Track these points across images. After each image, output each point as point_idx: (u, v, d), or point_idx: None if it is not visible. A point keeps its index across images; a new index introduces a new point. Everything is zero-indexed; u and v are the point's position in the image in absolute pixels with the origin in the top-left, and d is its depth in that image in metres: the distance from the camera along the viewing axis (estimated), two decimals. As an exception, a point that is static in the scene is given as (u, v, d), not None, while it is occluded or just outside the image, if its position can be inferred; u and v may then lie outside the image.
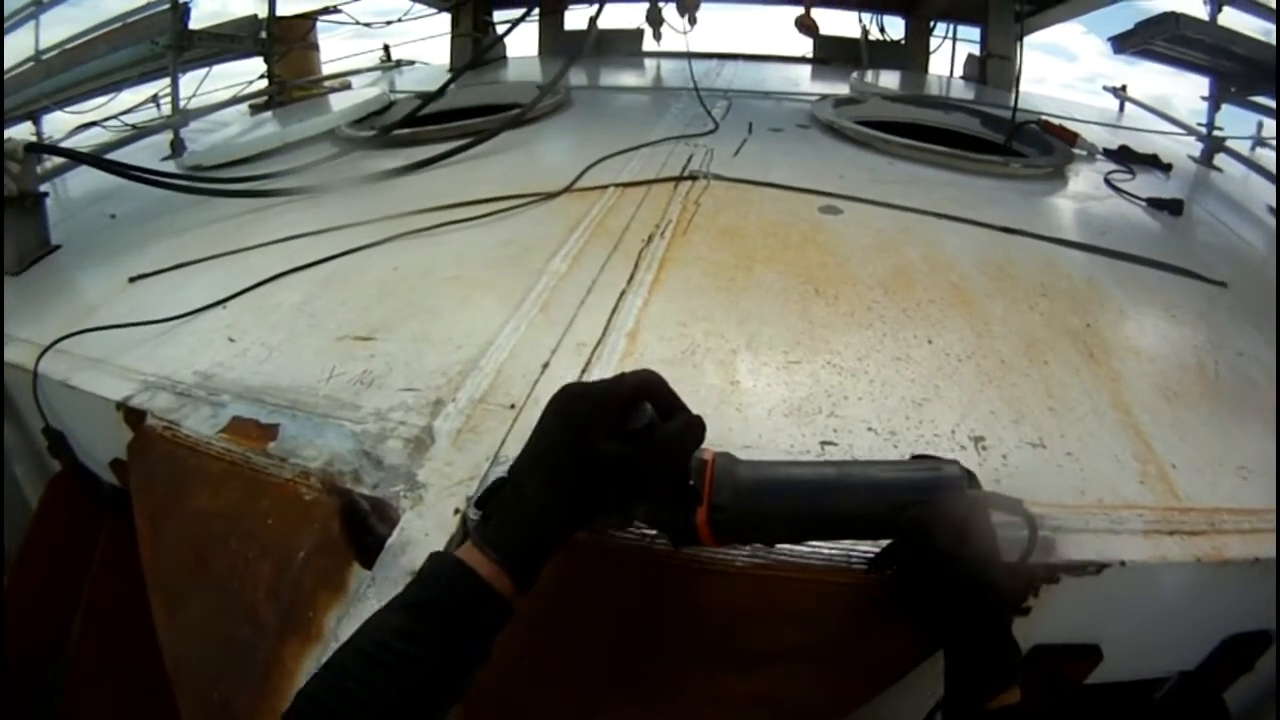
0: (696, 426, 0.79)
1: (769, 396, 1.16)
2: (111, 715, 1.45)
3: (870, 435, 1.09)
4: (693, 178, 1.98)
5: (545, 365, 1.19)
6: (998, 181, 2.31)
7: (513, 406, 1.10)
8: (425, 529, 0.92)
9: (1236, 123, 3.43)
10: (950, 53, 4.61)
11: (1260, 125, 3.74)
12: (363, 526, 0.97)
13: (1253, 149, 3.63)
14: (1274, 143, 3.50)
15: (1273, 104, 3.12)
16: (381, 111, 2.77)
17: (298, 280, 1.52)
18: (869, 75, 3.81)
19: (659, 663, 0.91)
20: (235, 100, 3.25)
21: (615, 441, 0.74)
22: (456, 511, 0.93)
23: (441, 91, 2.55)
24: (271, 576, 0.98)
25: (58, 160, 2.20)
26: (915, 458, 0.92)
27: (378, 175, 2.05)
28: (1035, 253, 1.76)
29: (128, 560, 1.18)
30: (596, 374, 1.18)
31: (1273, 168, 2.75)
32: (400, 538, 0.92)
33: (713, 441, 1.00)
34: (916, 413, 1.15)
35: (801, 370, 1.22)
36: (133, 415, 1.22)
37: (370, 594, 0.87)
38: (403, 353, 1.25)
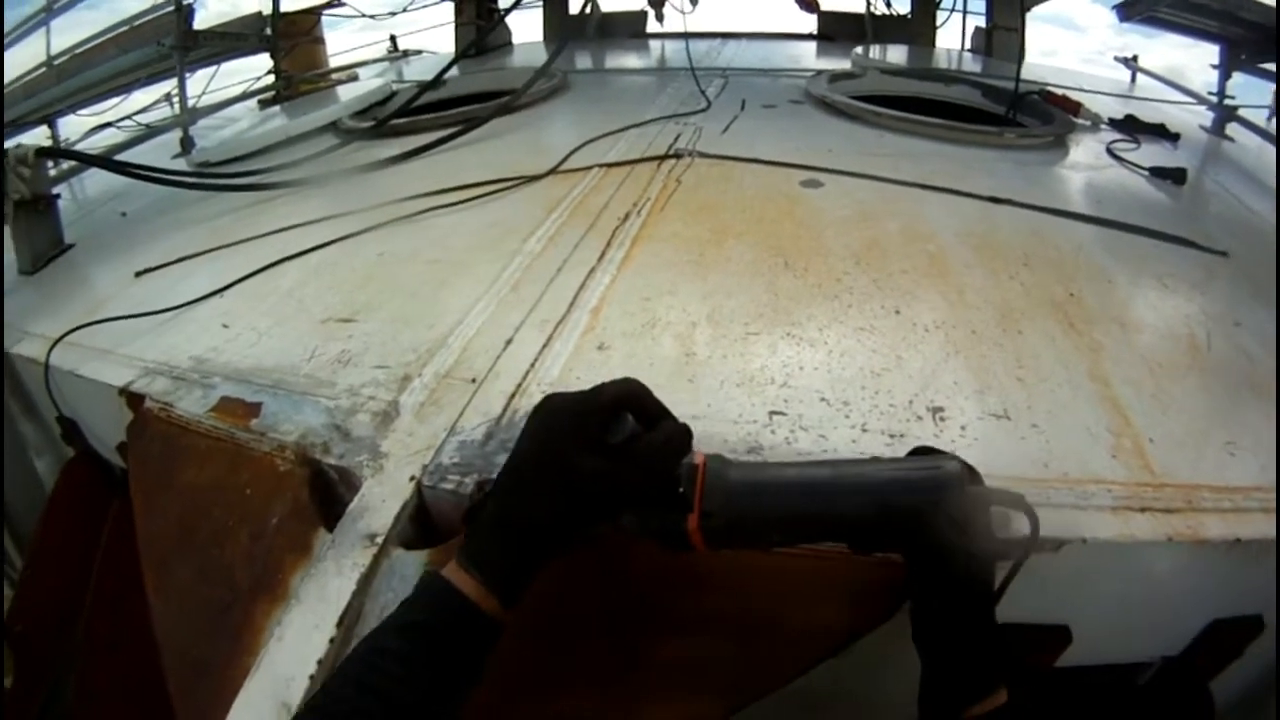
0: (680, 436, 0.78)
1: (723, 367, 1.17)
2: (123, 684, 1.52)
3: (822, 405, 1.10)
4: (677, 156, 2.01)
5: (509, 341, 1.23)
6: (992, 152, 2.29)
7: (473, 380, 1.14)
8: (383, 495, 0.97)
9: (1255, 93, 3.38)
10: (961, 26, 4.56)
11: (1277, 94, 3.65)
12: (330, 494, 1.03)
13: (1269, 119, 3.55)
14: None
15: None
16: (383, 102, 2.82)
17: (289, 268, 1.58)
18: (874, 50, 3.79)
19: (596, 632, 0.92)
20: (244, 96, 3.33)
21: (594, 456, 0.73)
22: (412, 479, 0.98)
23: (437, 81, 2.60)
24: (247, 542, 1.03)
25: (70, 163, 2.28)
26: (914, 452, 0.89)
27: (373, 165, 2.10)
28: (1023, 223, 1.75)
29: (133, 539, 1.24)
30: (556, 348, 1.22)
31: None
32: (360, 504, 0.96)
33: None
34: (873, 383, 1.15)
35: (759, 341, 1.23)
36: (134, 399, 1.28)
37: (329, 555, 0.92)
38: (379, 333, 1.30)
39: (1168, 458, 1.05)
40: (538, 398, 1.06)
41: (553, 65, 2.70)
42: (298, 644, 0.84)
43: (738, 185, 1.84)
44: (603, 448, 0.74)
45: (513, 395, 1.11)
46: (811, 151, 2.10)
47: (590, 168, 1.95)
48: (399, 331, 1.29)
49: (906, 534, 0.77)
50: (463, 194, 1.81)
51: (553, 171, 1.92)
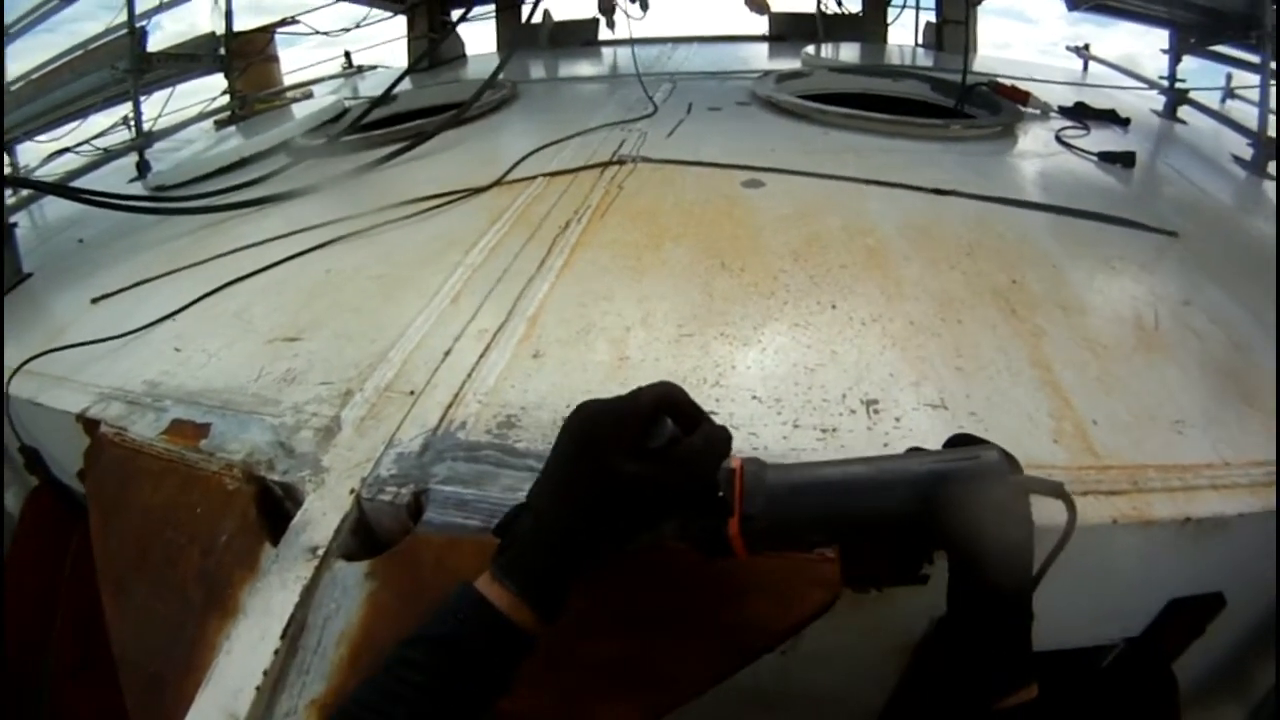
0: (721, 439, 0.76)
1: (655, 370, 1.19)
2: (95, 706, 1.55)
3: (754, 403, 1.11)
4: (620, 162, 2.05)
5: (447, 353, 1.27)
6: (939, 145, 2.33)
7: (411, 393, 1.18)
8: (324, 509, 1.01)
9: (1208, 77, 3.44)
10: (914, 22, 4.62)
11: (1229, 78, 3.70)
12: (277, 510, 1.07)
13: (1223, 101, 3.61)
14: (1245, 94, 3.45)
15: (1235, 53, 3.10)
16: (336, 119, 2.84)
17: (240, 289, 1.61)
18: (826, 49, 3.83)
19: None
20: (201, 117, 3.33)
21: (635, 461, 0.71)
22: (351, 492, 1.01)
23: (385, 97, 2.63)
24: (199, 559, 1.06)
25: (28, 191, 2.29)
26: (951, 440, 0.88)
27: (323, 183, 2.13)
28: (967, 213, 1.77)
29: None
30: (493, 358, 1.25)
31: (1246, 120, 2.67)
32: (302, 518, 1.00)
33: None
34: (807, 378, 1.17)
35: (692, 343, 1.26)
36: (90, 425, 1.31)
37: (274, 569, 0.95)
38: (324, 349, 1.33)
39: (1112, 439, 1.06)
40: (474, 408, 1.12)
41: (505, 76, 2.74)
42: (244, 656, 0.88)
43: (679, 189, 1.88)
44: (643, 452, 0.72)
45: (449, 406, 1.14)
46: (755, 152, 2.13)
47: (535, 177, 1.98)
48: (343, 347, 1.32)
49: (948, 526, 0.75)
50: (410, 208, 1.84)
51: (498, 183, 1.95)
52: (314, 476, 1.06)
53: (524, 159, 2.10)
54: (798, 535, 0.79)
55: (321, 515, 1.00)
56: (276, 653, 0.87)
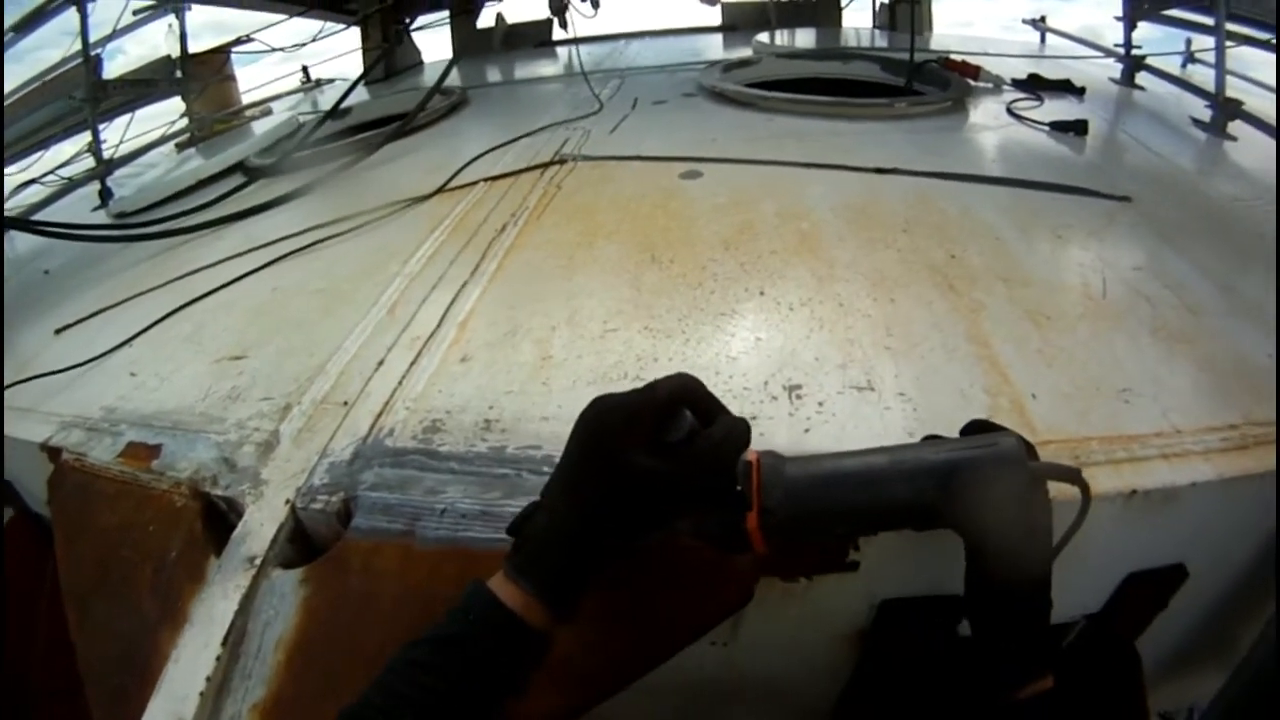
0: (740, 431, 0.74)
1: (578, 367, 1.21)
2: (71, 731, 1.61)
3: None
4: (561, 162, 2.08)
5: (380, 362, 1.31)
6: (884, 124, 2.33)
7: (345, 403, 1.22)
8: (262, 520, 1.06)
9: (1174, 44, 3.48)
10: (871, 5, 4.60)
11: (1189, 42, 3.70)
12: (222, 523, 1.12)
13: (1184, 66, 3.62)
14: (1205, 58, 3.44)
15: (1189, 16, 3.10)
16: (290, 136, 2.88)
17: (192, 311, 1.66)
18: (780, 36, 3.85)
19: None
20: (161, 141, 3.38)
21: (652, 456, 0.70)
22: (287, 502, 1.06)
23: (333, 112, 2.67)
24: (152, 576, 1.11)
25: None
26: (968, 427, 0.87)
27: (273, 201, 2.17)
28: (908, 190, 1.78)
29: (69, 585, 1.33)
30: (423, 364, 1.28)
31: (1204, 83, 2.65)
32: (243, 529, 1.05)
33: (516, 417, 1.12)
34: (729, 367, 1.17)
35: (616, 338, 1.28)
36: (53, 453, 1.36)
37: (216, 580, 1.01)
38: (266, 366, 1.37)
39: (1052, 413, 1.04)
40: (402, 414, 1.18)
41: (462, 81, 2.77)
42: (190, 664, 0.93)
43: (616, 185, 1.91)
44: (660, 447, 0.71)
45: (379, 414, 1.19)
46: (695, 143, 2.16)
47: (476, 183, 2.03)
48: (284, 363, 1.37)
49: (965, 514, 0.74)
50: (355, 221, 1.89)
51: (440, 190, 1.99)
52: (253, 489, 1.11)
53: (466, 165, 2.14)
54: (817, 527, 0.79)
55: (260, 526, 1.05)
56: (219, 659, 0.92)
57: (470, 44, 4.45)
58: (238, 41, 3.58)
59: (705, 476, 0.72)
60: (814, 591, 0.98)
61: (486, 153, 2.23)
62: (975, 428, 0.85)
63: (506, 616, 0.69)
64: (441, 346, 1.33)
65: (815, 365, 1.17)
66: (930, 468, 0.76)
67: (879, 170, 1.90)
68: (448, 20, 4.43)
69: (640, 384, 1.14)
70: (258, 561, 1.01)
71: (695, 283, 1.43)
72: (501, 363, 1.26)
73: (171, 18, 3.49)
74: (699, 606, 0.88)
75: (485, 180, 2.03)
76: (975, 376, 1.12)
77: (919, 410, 1.06)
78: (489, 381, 1.22)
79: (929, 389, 1.10)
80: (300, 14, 3.55)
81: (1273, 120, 2.28)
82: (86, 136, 3.20)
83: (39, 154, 3.13)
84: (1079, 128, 2.23)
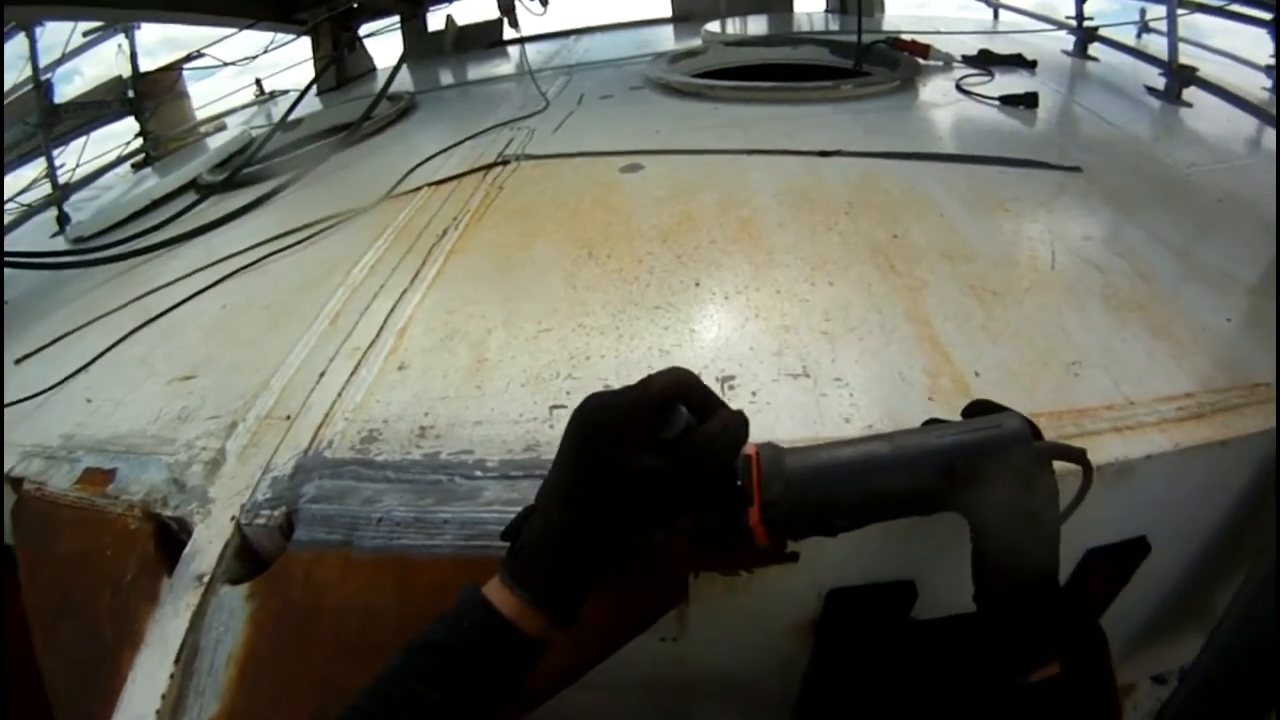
0: (738, 425, 0.73)
1: (511, 368, 1.23)
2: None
3: None
4: (505, 162, 2.10)
5: (322, 374, 1.33)
6: (830, 107, 2.35)
7: (288, 417, 1.25)
8: (210, 537, 1.09)
9: (1129, 14, 3.49)
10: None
11: (1143, 12, 3.71)
12: (174, 543, 1.15)
13: (1138, 36, 3.63)
14: (1159, 26, 3.46)
15: None
16: (242, 150, 2.89)
17: (145, 334, 1.68)
18: (731, 24, 3.85)
19: (390, 634, 0.93)
20: (117, 162, 3.39)
21: (647, 454, 0.68)
22: (232, 519, 1.10)
23: (281, 124, 2.68)
24: (110, 599, 1.14)
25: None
26: (970, 408, 0.85)
27: (222, 219, 2.19)
28: (852, 172, 1.79)
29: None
30: (362, 374, 1.30)
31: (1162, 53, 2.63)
32: (192, 548, 1.09)
33: (450, 422, 1.14)
34: (662, 361, 1.18)
35: (550, 337, 1.29)
36: (16, 484, 1.38)
37: (168, 599, 1.04)
38: (214, 385, 1.40)
39: (996, 390, 1.03)
40: (341, 425, 1.21)
41: (413, 85, 2.77)
42: (145, 684, 0.97)
43: (557, 183, 1.93)
44: (656, 444, 0.69)
45: (319, 427, 1.21)
46: (639, 135, 2.18)
47: (420, 188, 2.04)
48: (231, 380, 1.39)
49: (971, 498, 0.74)
50: (302, 234, 1.91)
51: (385, 198, 2.01)
52: (201, 508, 1.14)
53: (410, 172, 2.16)
54: (820, 519, 0.78)
55: (208, 544, 1.08)
56: (172, 677, 0.96)
57: (421, 47, 4.44)
58: (189, 58, 3.57)
59: (703, 473, 0.71)
60: (756, 584, 0.98)
61: (431, 157, 2.25)
62: (978, 409, 0.84)
63: (502, 625, 0.68)
64: (380, 355, 1.34)
65: (750, 355, 1.17)
66: (934, 453, 0.76)
67: (823, 153, 1.92)
68: (398, 26, 4.43)
69: (573, 382, 1.19)
70: (206, 579, 1.04)
71: (631, 277, 1.45)
72: (437, 368, 1.28)
73: (121, 38, 3.48)
74: (635, 606, 0.89)
75: (429, 185, 2.05)
76: (915, 357, 1.12)
77: (855, 395, 1.06)
78: (425, 388, 1.24)
79: (866, 372, 1.10)
80: (249, 26, 3.54)
81: (1228, 85, 2.29)
82: (42, 162, 3.21)
83: (-7, 183, 3.13)
84: (1029, 100, 2.25)
